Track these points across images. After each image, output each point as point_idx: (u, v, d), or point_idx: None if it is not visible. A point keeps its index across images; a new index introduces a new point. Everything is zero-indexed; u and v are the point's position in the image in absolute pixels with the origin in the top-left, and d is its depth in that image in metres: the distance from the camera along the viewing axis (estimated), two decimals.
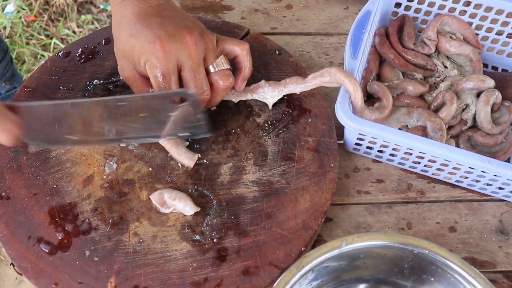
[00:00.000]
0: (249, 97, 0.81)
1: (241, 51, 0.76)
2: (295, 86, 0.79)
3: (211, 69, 0.73)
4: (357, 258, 0.67)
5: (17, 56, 2.01)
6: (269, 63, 0.87)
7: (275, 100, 0.81)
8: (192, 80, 0.71)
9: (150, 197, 0.73)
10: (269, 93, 0.80)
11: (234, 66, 0.78)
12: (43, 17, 2.12)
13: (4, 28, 2.05)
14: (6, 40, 2.04)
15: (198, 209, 0.72)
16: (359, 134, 0.79)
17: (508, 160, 0.86)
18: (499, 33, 0.93)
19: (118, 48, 0.74)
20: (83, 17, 2.14)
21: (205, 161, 0.77)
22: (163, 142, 0.76)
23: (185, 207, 0.72)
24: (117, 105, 0.70)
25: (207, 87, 0.72)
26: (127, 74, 0.75)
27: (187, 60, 0.70)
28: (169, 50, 0.68)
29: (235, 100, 0.81)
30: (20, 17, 2.10)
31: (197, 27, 0.72)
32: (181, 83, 0.72)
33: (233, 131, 0.80)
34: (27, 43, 2.06)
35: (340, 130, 0.83)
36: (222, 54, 0.75)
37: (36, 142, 0.75)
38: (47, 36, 2.09)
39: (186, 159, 0.75)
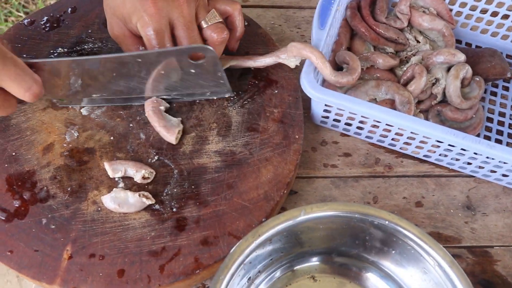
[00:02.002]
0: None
1: (233, 11, 0.75)
2: (250, 63, 0.79)
3: (204, 24, 0.72)
4: (313, 231, 0.66)
5: None
6: None
7: None
8: (186, 37, 0.70)
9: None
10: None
11: (227, 26, 0.76)
12: None
13: None
14: None
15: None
16: (325, 105, 0.77)
17: (477, 136, 0.85)
18: (473, 8, 0.92)
19: (107, 5, 0.72)
20: None
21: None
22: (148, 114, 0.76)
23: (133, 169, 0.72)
24: (136, 61, 0.70)
25: (201, 43, 0.71)
26: (116, 32, 0.73)
27: (179, 18, 0.68)
28: (161, 7, 0.67)
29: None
30: None
31: None
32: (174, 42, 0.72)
33: (197, 101, 0.79)
34: (6, 20, 2.02)
35: (307, 102, 0.81)
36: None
37: (59, 100, 0.76)
38: (26, 13, 2.06)
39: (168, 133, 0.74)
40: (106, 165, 0.72)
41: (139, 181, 0.71)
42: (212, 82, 0.74)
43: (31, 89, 0.62)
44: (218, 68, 0.72)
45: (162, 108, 0.76)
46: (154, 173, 0.72)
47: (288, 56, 0.75)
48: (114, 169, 0.71)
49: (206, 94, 0.77)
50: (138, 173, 0.71)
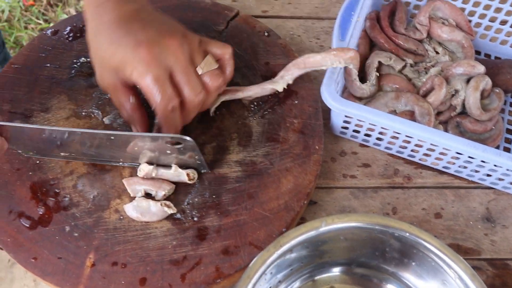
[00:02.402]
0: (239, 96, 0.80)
1: (223, 55, 0.72)
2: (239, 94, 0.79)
3: (199, 71, 0.70)
4: (333, 241, 0.66)
5: (15, 40, 2.01)
6: (257, 44, 0.87)
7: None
8: (187, 83, 0.67)
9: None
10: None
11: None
12: (42, 1, 2.12)
13: (3, 12, 2.05)
14: (4, 23, 2.04)
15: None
16: (345, 116, 0.78)
17: (497, 148, 0.85)
18: (492, 19, 0.92)
19: (96, 56, 0.69)
20: (81, 2, 2.14)
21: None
22: None
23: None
24: (109, 139, 0.69)
25: (202, 87, 0.69)
26: (107, 83, 0.70)
27: (176, 64, 0.67)
28: (155, 54, 0.65)
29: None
30: (19, 1, 2.10)
31: (178, 29, 0.70)
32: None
33: (218, 111, 0.80)
34: (26, 28, 2.05)
35: (327, 113, 0.82)
36: (207, 54, 0.72)
37: (26, 152, 0.75)
38: (45, 21, 2.09)
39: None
40: (125, 183, 0.72)
41: (160, 199, 0.72)
42: (189, 161, 0.73)
43: None
44: (196, 152, 0.70)
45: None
46: (174, 187, 0.73)
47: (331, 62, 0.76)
48: (133, 190, 0.72)
49: (183, 167, 0.74)
50: (159, 192, 0.71)
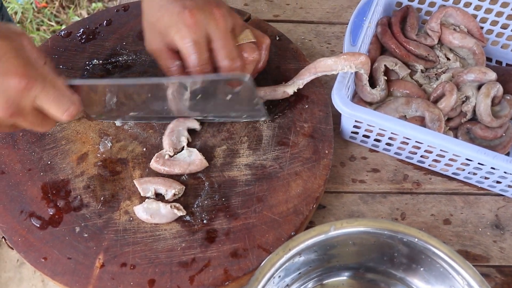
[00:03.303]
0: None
1: (261, 43, 0.76)
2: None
3: (238, 41, 0.72)
4: (342, 246, 0.67)
5: None
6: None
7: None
8: (223, 48, 0.70)
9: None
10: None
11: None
12: (54, 3, 2.13)
13: (15, 13, 2.07)
14: (17, 25, 2.06)
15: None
16: (355, 121, 0.78)
17: (507, 154, 0.85)
18: (504, 26, 0.92)
19: (147, 19, 0.73)
20: (93, 4, 2.15)
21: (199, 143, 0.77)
22: None
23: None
24: (169, 87, 0.72)
25: (237, 55, 0.71)
26: (154, 46, 0.73)
27: (216, 31, 0.69)
28: (199, 19, 0.68)
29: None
30: (32, 3, 2.11)
31: (225, 5, 0.72)
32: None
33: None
34: (38, 29, 2.07)
35: (337, 118, 0.82)
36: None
37: (98, 116, 0.77)
38: (57, 22, 2.11)
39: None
40: (136, 183, 0.73)
41: (170, 199, 0.72)
42: (248, 107, 0.75)
43: (68, 111, 0.64)
44: (254, 95, 0.72)
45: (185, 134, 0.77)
46: (184, 188, 0.73)
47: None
48: (144, 189, 0.72)
49: (242, 117, 0.77)
50: (169, 191, 0.72)
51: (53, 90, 0.62)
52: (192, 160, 0.74)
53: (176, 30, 0.68)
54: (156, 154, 0.75)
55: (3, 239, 0.72)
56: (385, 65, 0.85)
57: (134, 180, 0.73)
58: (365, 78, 0.80)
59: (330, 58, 0.76)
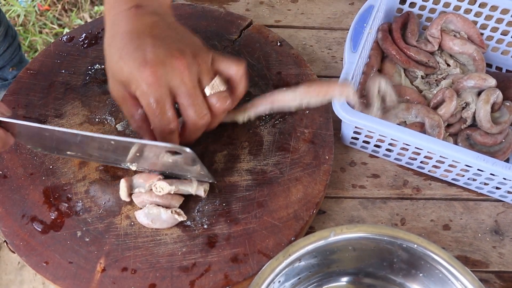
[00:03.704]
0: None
1: (236, 72, 0.70)
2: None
3: (207, 92, 0.68)
4: (342, 251, 0.67)
5: (29, 44, 2.03)
6: (269, 54, 0.88)
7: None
8: (191, 105, 0.67)
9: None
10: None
11: (229, 84, 0.72)
12: (57, 6, 2.14)
13: (18, 16, 2.07)
14: (20, 28, 2.06)
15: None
16: (355, 127, 0.78)
17: (507, 161, 0.85)
18: (504, 33, 0.92)
19: (108, 66, 0.69)
20: (96, 8, 2.16)
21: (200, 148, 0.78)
22: None
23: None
24: (109, 143, 0.68)
25: (207, 110, 0.68)
26: (115, 94, 0.70)
27: (181, 86, 0.65)
28: (160, 75, 0.64)
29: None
30: (34, 6, 2.12)
31: (190, 48, 0.68)
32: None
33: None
34: (40, 32, 2.08)
35: (338, 123, 0.83)
36: (217, 73, 0.70)
37: (34, 148, 0.76)
38: (60, 25, 2.11)
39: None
40: (134, 200, 0.73)
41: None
42: (191, 172, 0.72)
43: None
44: (196, 163, 0.69)
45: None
46: (183, 199, 0.73)
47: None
48: (141, 205, 0.72)
49: (187, 176, 0.74)
50: (168, 210, 0.71)
51: None
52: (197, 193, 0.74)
53: (136, 86, 0.65)
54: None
55: (4, 243, 0.72)
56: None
57: (132, 197, 0.73)
58: (356, 103, 0.77)
59: (289, 91, 0.73)
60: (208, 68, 0.69)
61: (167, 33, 0.68)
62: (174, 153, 0.68)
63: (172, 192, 0.71)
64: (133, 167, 0.74)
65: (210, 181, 0.74)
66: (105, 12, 0.71)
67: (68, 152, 0.74)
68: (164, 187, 0.71)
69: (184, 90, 0.66)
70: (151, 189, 0.72)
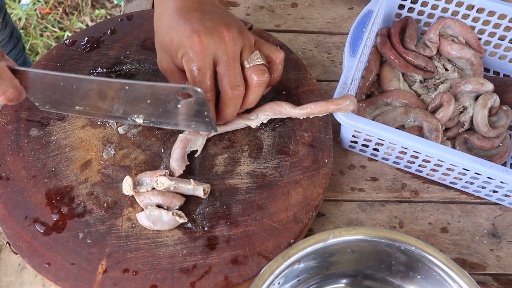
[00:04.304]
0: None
1: (275, 58, 0.75)
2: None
3: (246, 64, 0.72)
4: (341, 253, 0.68)
5: (30, 48, 2.04)
6: None
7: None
8: (226, 74, 0.70)
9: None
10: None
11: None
12: (58, 10, 2.15)
13: (20, 19, 2.08)
14: (21, 31, 2.07)
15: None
16: (354, 131, 0.79)
17: (504, 164, 0.86)
18: (502, 38, 0.93)
19: (157, 40, 0.74)
20: (96, 11, 2.17)
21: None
22: None
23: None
24: (124, 88, 0.70)
25: (240, 82, 0.71)
26: (164, 67, 0.75)
27: (223, 55, 0.69)
28: (206, 44, 0.68)
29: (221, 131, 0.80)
30: (36, 9, 2.13)
31: (236, 24, 0.72)
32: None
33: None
34: (41, 35, 2.09)
35: (337, 127, 0.83)
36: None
37: (42, 105, 0.76)
38: (60, 29, 2.12)
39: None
40: (137, 199, 0.74)
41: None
42: (197, 118, 0.73)
43: (6, 94, 0.66)
44: (205, 107, 0.71)
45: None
46: (185, 199, 0.74)
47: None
48: (144, 205, 0.73)
49: (191, 126, 0.76)
50: (170, 208, 0.73)
51: None
52: (195, 193, 0.75)
53: (183, 52, 0.70)
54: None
55: (7, 244, 0.73)
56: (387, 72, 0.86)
57: (134, 196, 0.74)
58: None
59: (297, 109, 0.76)
60: (251, 45, 0.73)
61: (214, 10, 0.72)
62: (186, 97, 0.70)
63: (171, 188, 0.72)
64: (140, 120, 0.75)
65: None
66: None
67: (77, 107, 0.75)
68: (164, 181, 0.72)
69: (224, 59, 0.70)
70: (154, 188, 0.73)
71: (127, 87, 0.70)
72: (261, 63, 0.72)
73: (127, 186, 0.73)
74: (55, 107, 0.76)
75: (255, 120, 0.79)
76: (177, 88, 0.69)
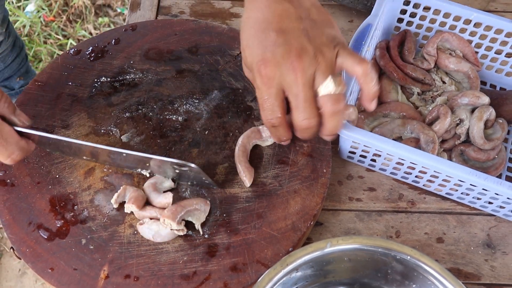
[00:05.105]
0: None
1: (359, 71, 0.69)
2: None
3: (319, 92, 0.67)
4: (338, 262, 0.69)
5: (34, 54, 2.06)
6: None
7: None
8: (296, 107, 0.68)
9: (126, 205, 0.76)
10: None
11: (358, 83, 0.73)
12: (62, 17, 2.17)
13: (24, 26, 2.11)
14: (25, 38, 2.09)
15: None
16: (352, 142, 0.81)
17: (499, 176, 0.88)
18: (498, 52, 0.95)
19: (241, 46, 0.72)
20: (100, 19, 2.19)
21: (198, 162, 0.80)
22: None
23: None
24: (122, 155, 0.74)
25: (311, 115, 0.68)
26: (246, 75, 0.75)
27: (293, 86, 0.66)
28: (272, 76, 0.66)
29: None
30: (40, 17, 2.15)
31: (315, 43, 0.67)
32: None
33: (231, 133, 0.83)
34: (45, 42, 2.11)
35: (336, 138, 0.85)
36: (341, 69, 0.70)
37: (54, 152, 0.81)
38: (64, 36, 2.14)
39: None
40: (136, 214, 0.75)
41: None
42: (196, 181, 0.78)
43: (11, 157, 0.68)
44: (202, 175, 0.75)
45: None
46: (184, 225, 0.75)
47: None
48: (148, 228, 0.74)
49: (193, 182, 0.79)
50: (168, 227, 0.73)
51: None
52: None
53: (253, 77, 0.69)
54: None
55: (11, 249, 0.75)
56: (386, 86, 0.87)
57: (133, 211, 0.75)
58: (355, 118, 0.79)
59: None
60: (327, 67, 0.67)
61: (295, 25, 0.68)
62: (181, 166, 0.73)
63: (179, 228, 0.73)
64: (146, 173, 0.79)
65: (214, 187, 0.78)
66: None
67: (84, 157, 0.79)
68: (173, 224, 0.72)
69: (294, 91, 0.67)
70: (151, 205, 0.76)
71: (124, 155, 0.74)
72: (334, 91, 0.67)
73: (114, 197, 0.76)
74: (64, 155, 0.81)
75: (268, 141, 0.83)
76: (172, 163, 0.72)
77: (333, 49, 0.68)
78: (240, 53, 0.92)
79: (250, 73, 0.72)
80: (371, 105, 0.73)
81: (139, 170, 0.79)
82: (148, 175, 0.79)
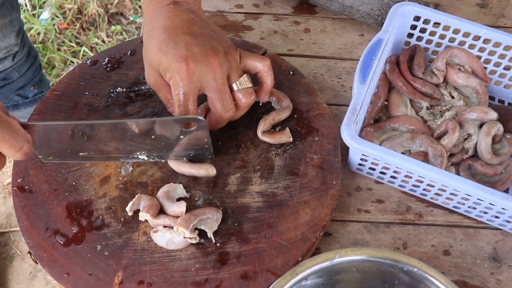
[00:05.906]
0: None
1: (262, 67, 0.81)
2: None
3: (234, 87, 0.78)
4: (346, 272, 0.71)
5: (48, 61, 2.09)
6: (282, 82, 0.92)
7: None
8: (219, 100, 0.76)
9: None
10: None
11: (257, 80, 0.83)
12: (75, 25, 2.21)
13: (38, 34, 2.14)
14: (39, 45, 2.13)
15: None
16: (362, 155, 0.83)
17: (506, 191, 0.89)
18: (507, 68, 0.96)
19: (146, 56, 0.79)
20: (113, 27, 2.22)
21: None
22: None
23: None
24: (131, 128, 0.75)
25: (232, 105, 0.78)
26: (152, 81, 0.80)
27: (212, 81, 0.75)
28: (193, 72, 0.73)
29: None
30: (54, 24, 2.19)
31: (222, 46, 0.77)
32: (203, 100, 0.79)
33: (243, 144, 0.85)
34: (58, 49, 2.14)
35: (345, 150, 0.87)
36: (245, 69, 0.81)
37: (45, 157, 0.80)
38: (77, 43, 2.18)
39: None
40: (150, 222, 0.77)
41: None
42: (197, 146, 0.80)
43: (22, 150, 0.67)
44: (206, 135, 0.77)
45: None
46: (197, 233, 0.76)
47: None
48: (162, 236, 0.76)
49: (190, 155, 0.82)
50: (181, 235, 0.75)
51: (7, 130, 0.64)
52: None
53: (171, 76, 0.74)
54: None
55: (28, 254, 0.77)
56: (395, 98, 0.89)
57: (147, 219, 0.77)
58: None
59: None
60: (237, 65, 0.78)
61: (202, 31, 0.77)
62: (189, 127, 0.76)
63: (192, 236, 0.75)
64: (143, 156, 0.81)
65: (210, 157, 0.82)
66: (143, 5, 0.80)
67: (81, 154, 0.79)
68: (186, 232, 0.74)
69: (214, 85, 0.75)
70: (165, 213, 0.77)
71: (134, 125, 0.74)
72: (248, 86, 0.79)
73: (129, 205, 0.77)
74: (58, 157, 0.81)
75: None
76: (182, 120, 0.74)
77: (236, 51, 0.79)
78: None
79: (159, 77, 0.78)
80: (266, 98, 0.84)
81: (136, 154, 0.80)
82: (145, 158, 0.81)
